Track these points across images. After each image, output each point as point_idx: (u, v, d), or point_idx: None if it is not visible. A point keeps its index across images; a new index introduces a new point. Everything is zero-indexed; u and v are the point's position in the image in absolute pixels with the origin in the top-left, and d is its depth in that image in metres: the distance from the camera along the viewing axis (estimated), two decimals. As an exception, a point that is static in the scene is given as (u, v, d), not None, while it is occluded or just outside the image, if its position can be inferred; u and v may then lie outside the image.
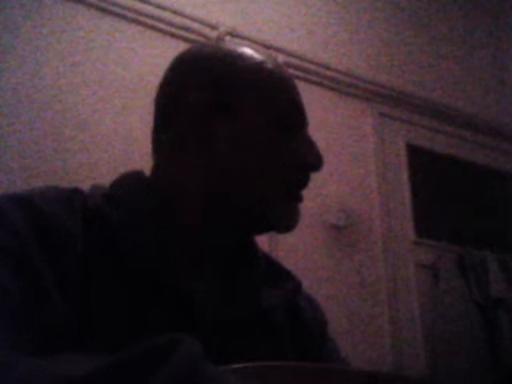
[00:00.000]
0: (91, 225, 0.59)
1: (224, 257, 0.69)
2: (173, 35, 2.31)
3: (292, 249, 2.23)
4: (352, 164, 2.57)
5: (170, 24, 2.32)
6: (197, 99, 0.66)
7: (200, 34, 2.37)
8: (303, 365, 0.42)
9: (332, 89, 2.65)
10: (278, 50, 2.50)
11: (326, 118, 2.57)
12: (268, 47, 2.49)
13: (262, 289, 0.68)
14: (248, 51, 0.69)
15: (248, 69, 0.67)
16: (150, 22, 2.29)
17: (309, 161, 0.67)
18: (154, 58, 2.20)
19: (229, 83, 0.66)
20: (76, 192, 0.63)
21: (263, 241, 2.16)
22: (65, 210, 0.58)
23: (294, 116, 0.69)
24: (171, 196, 0.66)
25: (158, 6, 2.28)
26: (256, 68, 0.68)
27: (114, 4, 2.22)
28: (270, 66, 0.68)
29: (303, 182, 0.67)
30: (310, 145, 0.68)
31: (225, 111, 0.66)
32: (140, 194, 0.65)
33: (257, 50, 0.70)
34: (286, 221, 0.67)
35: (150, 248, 0.61)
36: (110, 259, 0.59)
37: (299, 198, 0.68)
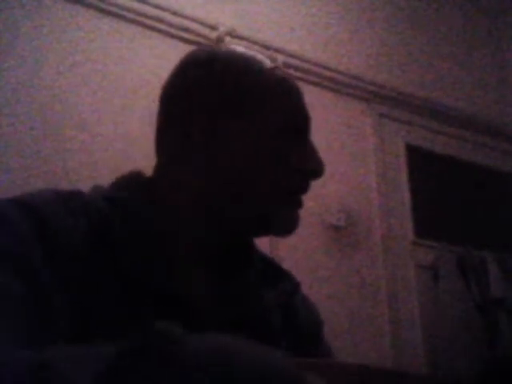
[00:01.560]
0: (93, 227, 0.59)
1: (223, 258, 0.69)
2: (172, 36, 2.31)
3: (292, 249, 2.23)
4: (352, 164, 2.57)
5: (170, 24, 2.32)
6: (204, 100, 0.66)
7: (199, 35, 2.36)
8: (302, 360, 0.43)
9: (332, 89, 2.65)
10: (278, 50, 2.50)
11: (326, 119, 2.57)
12: (268, 47, 2.49)
13: (260, 290, 0.69)
14: (257, 56, 0.70)
15: (257, 73, 0.68)
16: (149, 22, 2.29)
17: (311, 167, 0.68)
18: (153, 58, 2.20)
19: (237, 86, 0.67)
20: (76, 194, 0.63)
21: (264, 241, 2.16)
22: (65, 211, 0.58)
23: (300, 123, 0.69)
24: (173, 197, 0.66)
25: (158, 7, 2.28)
26: (265, 73, 0.68)
27: (114, 4, 2.22)
28: (278, 71, 0.70)
29: (304, 188, 0.68)
30: (313, 152, 0.69)
31: (231, 113, 0.66)
32: (142, 197, 0.65)
33: (265, 58, 0.71)
34: (286, 225, 0.68)
35: (152, 254, 0.61)
36: (112, 263, 0.58)
37: (300, 204, 0.68)
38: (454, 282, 2.54)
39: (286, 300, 0.72)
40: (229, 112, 0.66)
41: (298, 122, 0.69)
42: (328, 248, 2.35)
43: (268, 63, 0.70)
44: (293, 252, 2.23)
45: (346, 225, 2.41)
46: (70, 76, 2.05)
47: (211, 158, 0.65)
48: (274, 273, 0.74)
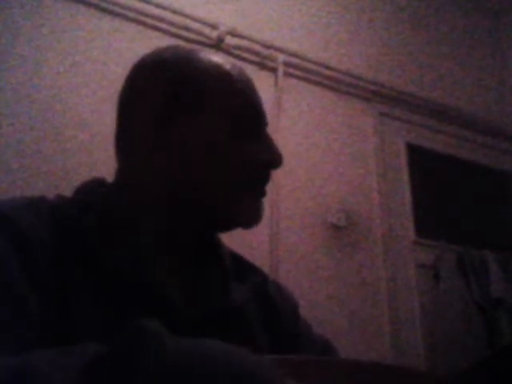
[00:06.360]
0: (60, 230, 0.61)
1: (193, 256, 0.71)
2: (173, 35, 2.31)
3: (292, 249, 2.23)
4: (352, 164, 2.57)
5: (170, 23, 2.32)
6: (156, 102, 0.67)
7: (200, 34, 2.37)
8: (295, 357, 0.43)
9: (332, 89, 2.65)
10: (279, 49, 2.50)
11: (326, 118, 2.57)
12: (268, 47, 2.49)
13: (231, 285, 0.70)
14: (206, 54, 0.71)
15: (206, 70, 0.69)
16: (150, 21, 2.29)
17: (269, 159, 0.70)
18: (154, 57, 2.19)
19: (188, 85, 0.68)
20: (42, 200, 0.65)
21: (264, 241, 2.16)
22: (35, 217, 0.60)
23: (253, 117, 0.71)
24: (136, 199, 0.68)
25: (158, 6, 2.28)
26: (214, 70, 0.69)
27: (114, 3, 2.22)
28: (227, 67, 0.70)
29: (263, 180, 0.70)
30: (270, 144, 0.71)
31: (185, 113, 0.67)
32: (107, 199, 0.67)
33: (215, 54, 0.73)
34: (249, 217, 0.69)
35: (124, 250, 0.63)
36: (84, 262, 0.60)
37: (262, 194, 0.71)
38: (454, 281, 2.54)
39: (258, 291, 0.75)
40: (180, 111, 0.67)
41: (251, 116, 0.70)
42: (328, 248, 2.34)
43: (218, 60, 0.71)
44: (293, 252, 2.23)
45: (346, 225, 2.41)
46: (70, 76, 2.05)
47: (168, 157, 0.67)
48: (242, 267, 0.76)
